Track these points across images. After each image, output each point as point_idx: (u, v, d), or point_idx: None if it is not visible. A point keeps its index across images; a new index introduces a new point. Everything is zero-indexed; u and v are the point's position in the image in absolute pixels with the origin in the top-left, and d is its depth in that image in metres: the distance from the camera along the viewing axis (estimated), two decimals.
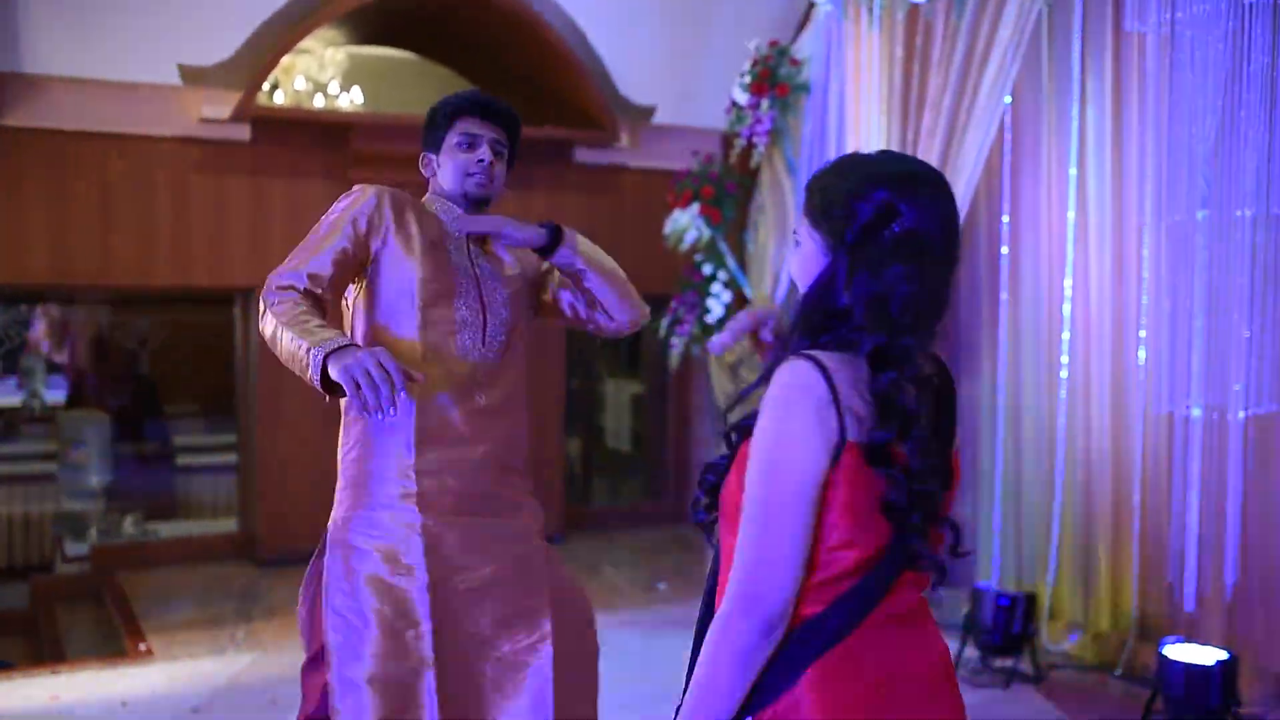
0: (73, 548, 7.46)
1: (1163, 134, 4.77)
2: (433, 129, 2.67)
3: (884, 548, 1.53)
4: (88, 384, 9.29)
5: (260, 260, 6.63)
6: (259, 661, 5.17)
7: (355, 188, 2.57)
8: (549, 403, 7.58)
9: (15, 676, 5.07)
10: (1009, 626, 4.92)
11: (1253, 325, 4.41)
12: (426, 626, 2.40)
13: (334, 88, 8.81)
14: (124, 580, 6.54)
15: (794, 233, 1.65)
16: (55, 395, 9.72)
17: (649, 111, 7.42)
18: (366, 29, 7.83)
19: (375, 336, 2.50)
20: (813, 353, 1.52)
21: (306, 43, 7.56)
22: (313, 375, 2.21)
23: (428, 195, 2.69)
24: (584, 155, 7.50)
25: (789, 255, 1.64)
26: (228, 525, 7.64)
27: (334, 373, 2.17)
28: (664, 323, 6.70)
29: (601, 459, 9.72)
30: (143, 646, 5.33)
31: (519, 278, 2.70)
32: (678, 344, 6.69)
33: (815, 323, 1.57)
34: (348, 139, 6.80)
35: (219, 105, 6.37)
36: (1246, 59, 4.35)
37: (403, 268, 2.50)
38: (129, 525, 7.58)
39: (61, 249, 6.29)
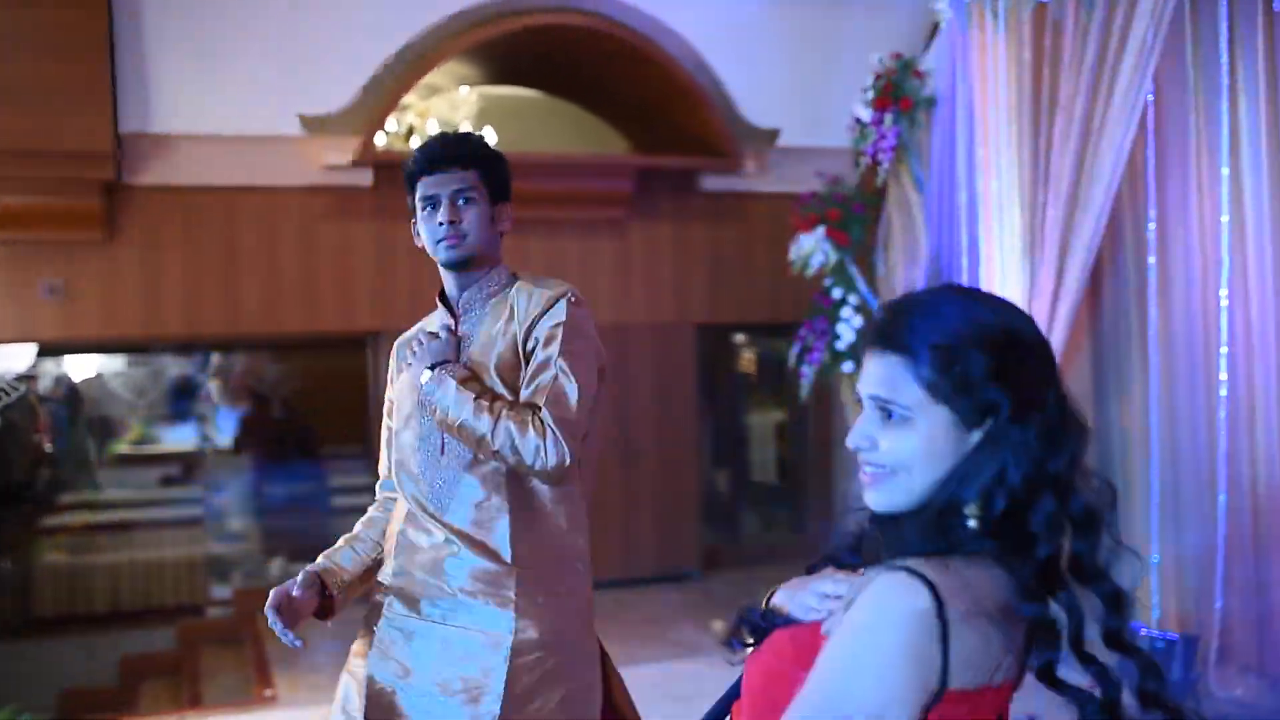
0: (219, 591, 7.63)
1: None
2: (410, 196, 2.44)
3: None
4: (241, 428, 9.54)
5: (385, 303, 6.67)
6: None
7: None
8: (683, 439, 7.42)
9: None
10: (1167, 670, 4.48)
11: None
12: None
13: (466, 128, 8.88)
14: (264, 623, 6.60)
15: (885, 403, 1.30)
16: (225, 439, 10.06)
17: (774, 135, 7.20)
18: (494, 68, 7.86)
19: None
20: (923, 568, 1.20)
21: (440, 83, 7.63)
22: None
23: None
24: (709, 183, 7.33)
25: (874, 429, 1.30)
26: None
27: None
28: (793, 352, 6.44)
29: (747, 491, 9.45)
30: (268, 692, 5.36)
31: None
32: (808, 373, 6.40)
33: (938, 524, 1.26)
34: None
35: (340, 152, 6.45)
36: None
37: None
38: (275, 568, 7.71)
39: (193, 301, 6.45)
